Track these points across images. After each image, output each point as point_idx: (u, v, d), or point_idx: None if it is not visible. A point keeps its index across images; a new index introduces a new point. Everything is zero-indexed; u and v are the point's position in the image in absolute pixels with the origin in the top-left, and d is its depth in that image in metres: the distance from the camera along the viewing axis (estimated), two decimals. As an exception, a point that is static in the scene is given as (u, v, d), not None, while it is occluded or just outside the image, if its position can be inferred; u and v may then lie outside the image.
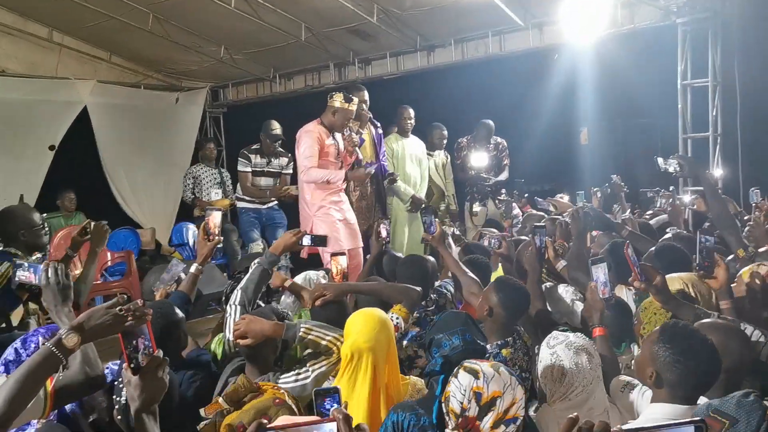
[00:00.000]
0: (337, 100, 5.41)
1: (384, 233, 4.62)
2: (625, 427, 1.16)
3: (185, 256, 7.93)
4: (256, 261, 3.31)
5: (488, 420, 2.01)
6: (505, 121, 7.78)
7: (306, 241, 3.50)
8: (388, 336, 2.62)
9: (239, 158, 7.18)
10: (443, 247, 3.75)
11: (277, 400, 1.88)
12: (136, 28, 8.01)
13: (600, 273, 2.88)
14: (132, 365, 1.85)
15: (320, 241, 3.73)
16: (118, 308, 1.92)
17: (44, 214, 6.67)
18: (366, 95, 6.30)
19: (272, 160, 7.20)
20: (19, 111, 8.47)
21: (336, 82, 9.04)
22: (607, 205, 6.31)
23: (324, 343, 2.65)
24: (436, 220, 4.02)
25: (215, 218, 3.53)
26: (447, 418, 2.12)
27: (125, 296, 1.98)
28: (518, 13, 7.24)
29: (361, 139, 5.95)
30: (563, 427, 1.18)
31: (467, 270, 3.57)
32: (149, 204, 9.74)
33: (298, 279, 4.11)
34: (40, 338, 2.53)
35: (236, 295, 3.13)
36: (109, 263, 6.93)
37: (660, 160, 3.70)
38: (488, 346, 2.86)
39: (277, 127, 7.24)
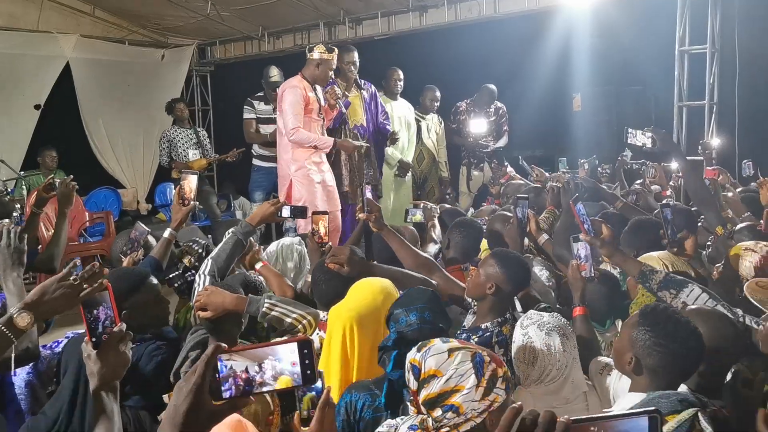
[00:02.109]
0: (317, 52, 5.27)
1: (369, 195, 4.46)
2: (573, 417, 1.05)
3: (169, 217, 7.78)
4: (230, 230, 3.17)
5: (422, 395, 1.87)
6: (499, 86, 7.59)
7: (285, 212, 3.34)
8: (383, 310, 2.44)
9: (244, 105, 7.14)
10: (386, 230, 3.32)
11: None
12: (119, -19, 7.77)
13: (582, 250, 2.76)
14: (93, 339, 1.68)
15: (300, 212, 3.57)
16: (71, 278, 1.75)
17: (22, 172, 6.56)
18: (355, 56, 6.08)
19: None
20: (1, 66, 8.24)
21: (326, 42, 8.75)
22: (593, 177, 6.19)
23: (288, 321, 2.52)
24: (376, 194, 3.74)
25: (191, 182, 3.39)
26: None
27: (78, 262, 1.84)
28: (513, -27, 7.03)
29: (346, 102, 5.75)
30: (505, 418, 1.07)
31: (420, 251, 3.29)
32: (129, 162, 9.58)
33: (272, 246, 3.97)
34: None
35: (206, 265, 2.99)
36: (88, 224, 6.80)
37: (630, 133, 3.48)
38: (487, 324, 2.71)
39: (274, 74, 7.14)
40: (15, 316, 1.74)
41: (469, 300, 3.03)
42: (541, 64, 8.10)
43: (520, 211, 3.66)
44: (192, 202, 3.33)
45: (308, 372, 1.19)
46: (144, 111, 9.69)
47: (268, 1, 8.20)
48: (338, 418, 2.14)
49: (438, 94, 7.29)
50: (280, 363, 1.18)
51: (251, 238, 4.23)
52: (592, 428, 1.05)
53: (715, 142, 6.10)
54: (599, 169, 6.54)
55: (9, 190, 6.28)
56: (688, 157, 6.43)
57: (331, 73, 5.45)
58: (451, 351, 1.88)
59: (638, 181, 5.83)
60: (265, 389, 1.20)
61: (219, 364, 1.19)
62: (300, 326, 2.53)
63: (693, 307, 2.33)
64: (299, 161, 5.30)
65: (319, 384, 1.91)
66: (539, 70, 8.20)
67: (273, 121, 6.95)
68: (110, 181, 9.00)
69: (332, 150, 5.50)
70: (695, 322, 2.06)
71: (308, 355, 1.19)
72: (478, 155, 7.32)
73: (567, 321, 2.39)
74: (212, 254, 3.06)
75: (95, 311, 1.70)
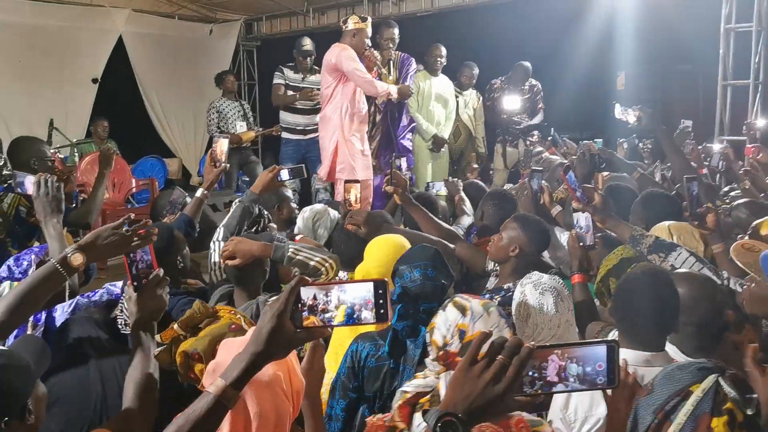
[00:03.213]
0: (351, 22, 5.44)
1: (405, 166, 4.57)
2: (538, 344, 1.15)
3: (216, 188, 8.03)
4: (237, 199, 3.39)
5: None
6: (540, 64, 7.55)
7: (284, 175, 3.49)
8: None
9: (275, 72, 7.26)
10: (409, 203, 3.50)
11: (233, 326, 1.86)
12: (169, -44, 7.98)
13: (582, 219, 2.84)
14: (135, 283, 1.92)
15: (298, 172, 3.72)
16: (124, 228, 1.95)
17: (75, 140, 6.85)
18: (396, 33, 6.09)
19: (307, 76, 7.18)
20: (57, 39, 8.56)
21: (384, 18, 8.82)
22: (634, 156, 6.15)
23: (312, 264, 2.67)
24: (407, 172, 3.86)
25: (222, 145, 3.55)
26: (429, 347, 2.11)
27: (132, 216, 2.01)
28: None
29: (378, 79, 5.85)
30: (476, 341, 1.18)
31: (443, 223, 3.47)
32: (180, 134, 9.84)
33: (305, 212, 4.14)
34: (33, 256, 2.61)
35: (219, 232, 3.20)
36: (134, 190, 7.07)
37: (618, 108, 3.50)
38: (509, 285, 2.83)
39: (307, 43, 7.23)
40: (69, 255, 1.93)
41: (492, 266, 3.14)
42: (584, 41, 7.98)
43: (535, 183, 3.73)
44: (223, 164, 3.49)
45: (381, 311, 1.28)
46: (194, 84, 9.91)
47: (313, -24, 8.34)
48: (343, 365, 2.29)
49: (476, 71, 7.30)
50: (345, 294, 1.29)
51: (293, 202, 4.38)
52: (555, 351, 1.17)
53: (760, 122, 5.98)
54: (640, 144, 6.50)
55: (63, 157, 6.55)
56: (731, 137, 6.43)
57: (368, 41, 5.55)
58: (486, 309, 2.00)
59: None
60: (326, 315, 1.30)
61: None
62: (323, 269, 2.68)
63: (680, 270, 2.39)
64: (346, 128, 5.46)
65: None
66: (583, 48, 8.07)
67: (300, 89, 7.14)
68: (157, 150, 9.28)
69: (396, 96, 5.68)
70: (679, 285, 2.14)
71: (383, 295, 1.29)
72: (512, 132, 7.32)
73: (565, 284, 2.47)
74: (223, 222, 3.26)
75: (134, 256, 1.93)
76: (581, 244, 2.85)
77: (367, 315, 1.29)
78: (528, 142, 6.77)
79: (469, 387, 1.14)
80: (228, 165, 3.60)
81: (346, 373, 2.27)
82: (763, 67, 6.36)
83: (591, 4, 7.50)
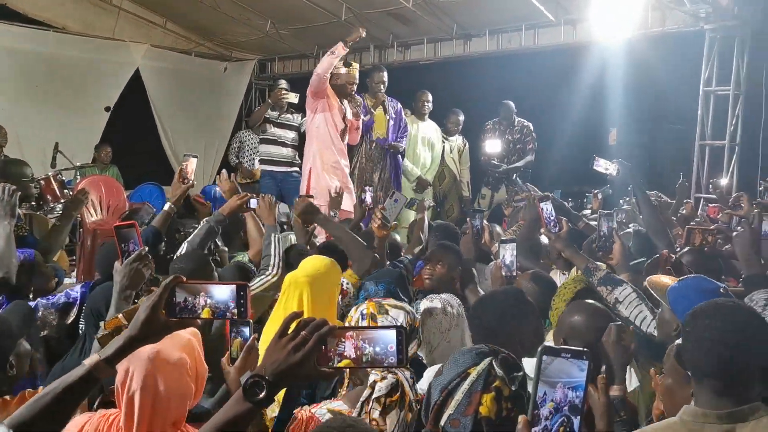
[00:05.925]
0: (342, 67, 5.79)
1: (368, 200, 4.81)
2: (339, 326, 1.40)
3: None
4: (205, 219, 3.63)
5: None
6: (534, 117, 7.82)
7: (253, 203, 3.74)
8: (331, 281, 2.77)
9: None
10: (320, 218, 3.87)
11: None
12: (187, -4, 8.47)
13: (507, 253, 3.06)
14: (124, 259, 2.43)
15: None
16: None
17: (79, 164, 7.20)
18: (385, 77, 6.56)
19: (283, 113, 7.60)
20: (77, 69, 9.07)
21: (375, 64, 9.22)
22: (607, 206, 6.32)
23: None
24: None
25: (191, 164, 3.83)
26: None
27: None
28: (550, 8, 7.30)
29: (370, 120, 6.19)
30: (286, 318, 1.43)
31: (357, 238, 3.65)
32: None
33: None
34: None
35: (183, 248, 3.44)
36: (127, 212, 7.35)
37: (596, 160, 3.73)
38: None
39: (282, 83, 7.81)
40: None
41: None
42: (577, 97, 8.24)
43: (478, 222, 3.95)
44: (191, 181, 3.75)
45: (242, 309, 1.53)
46: (207, 118, 10.40)
47: (323, 22, 8.75)
48: None
49: (461, 117, 7.58)
50: (211, 299, 1.53)
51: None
52: (348, 333, 1.40)
53: (723, 181, 6.18)
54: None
55: (67, 180, 6.85)
56: (707, 195, 6.60)
57: (353, 87, 5.87)
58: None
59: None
60: (193, 315, 1.53)
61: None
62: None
63: (579, 300, 2.60)
64: (319, 160, 5.80)
65: (247, 332, 2.26)
66: (575, 103, 8.33)
67: (279, 125, 7.56)
68: (161, 179, 9.62)
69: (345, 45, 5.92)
70: (576, 314, 2.36)
71: (244, 296, 1.53)
72: (493, 175, 7.51)
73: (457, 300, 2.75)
74: (188, 239, 3.49)
75: (127, 243, 2.50)
76: (504, 274, 3.10)
77: (229, 313, 1.53)
78: (509, 187, 6.97)
79: (275, 355, 1.39)
80: (195, 182, 3.86)
81: None
82: (741, 129, 6.57)
83: (583, 62, 7.79)
